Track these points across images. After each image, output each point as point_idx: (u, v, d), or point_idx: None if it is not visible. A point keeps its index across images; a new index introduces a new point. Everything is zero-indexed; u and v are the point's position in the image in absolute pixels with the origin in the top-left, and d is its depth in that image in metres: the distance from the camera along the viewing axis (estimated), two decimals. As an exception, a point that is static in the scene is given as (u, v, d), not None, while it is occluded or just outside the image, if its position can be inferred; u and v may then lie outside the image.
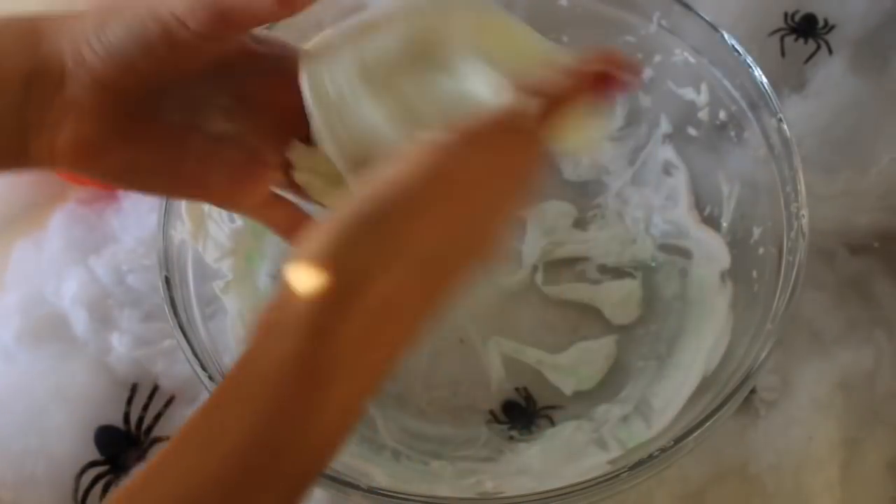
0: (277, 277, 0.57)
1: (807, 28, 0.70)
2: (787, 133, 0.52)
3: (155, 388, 0.57)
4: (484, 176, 0.34)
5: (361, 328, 0.31)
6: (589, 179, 0.65)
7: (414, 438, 0.55)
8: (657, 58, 0.60)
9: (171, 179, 0.40)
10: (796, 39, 0.70)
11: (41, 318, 0.59)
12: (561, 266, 0.63)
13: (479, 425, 0.57)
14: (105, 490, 0.53)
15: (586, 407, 0.56)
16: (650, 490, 0.53)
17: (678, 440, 0.45)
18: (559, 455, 0.53)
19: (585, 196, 0.65)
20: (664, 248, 0.62)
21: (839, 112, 0.65)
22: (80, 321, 0.58)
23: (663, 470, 0.46)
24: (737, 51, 0.55)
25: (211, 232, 0.53)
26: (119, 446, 0.55)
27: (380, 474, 0.49)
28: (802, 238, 0.50)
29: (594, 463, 0.50)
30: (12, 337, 0.58)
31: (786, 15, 0.71)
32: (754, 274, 0.54)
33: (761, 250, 0.54)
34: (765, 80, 0.54)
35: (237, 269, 0.55)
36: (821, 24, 0.71)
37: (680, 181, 0.62)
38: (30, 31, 0.36)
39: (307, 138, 0.40)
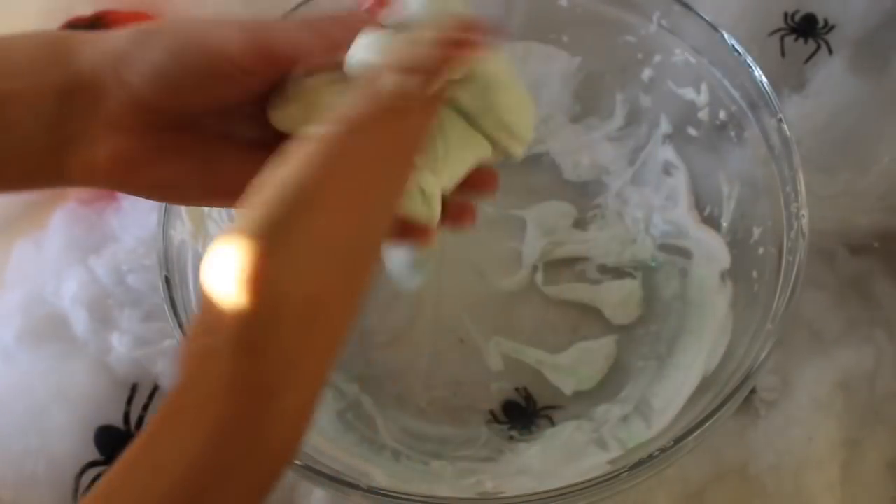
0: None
1: (807, 28, 0.70)
2: (787, 133, 0.52)
3: (155, 388, 0.57)
4: (377, 160, 0.34)
5: (294, 335, 0.31)
6: (589, 179, 0.65)
7: (414, 438, 0.56)
8: (657, 58, 0.60)
9: (208, 189, 0.39)
10: (796, 39, 0.70)
11: (41, 318, 0.59)
12: (561, 266, 0.63)
13: (479, 425, 0.57)
14: (105, 490, 0.53)
15: (586, 407, 0.56)
16: (650, 490, 0.53)
17: (678, 440, 0.45)
18: (559, 455, 0.53)
19: (585, 196, 0.65)
20: (664, 248, 0.62)
21: (839, 112, 0.64)
22: (80, 321, 0.58)
23: (663, 470, 0.46)
24: (737, 51, 0.55)
25: (211, 232, 0.53)
26: (119, 446, 0.55)
27: (380, 474, 0.49)
28: (802, 238, 0.50)
29: (594, 463, 0.50)
30: (13, 337, 0.58)
31: (786, 15, 0.71)
32: (754, 274, 0.54)
33: (761, 250, 0.54)
34: (765, 80, 0.54)
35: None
36: (821, 24, 0.71)
37: (680, 181, 0.62)
38: (59, 46, 0.36)
39: None
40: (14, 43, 0.36)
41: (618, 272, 0.62)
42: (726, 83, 0.57)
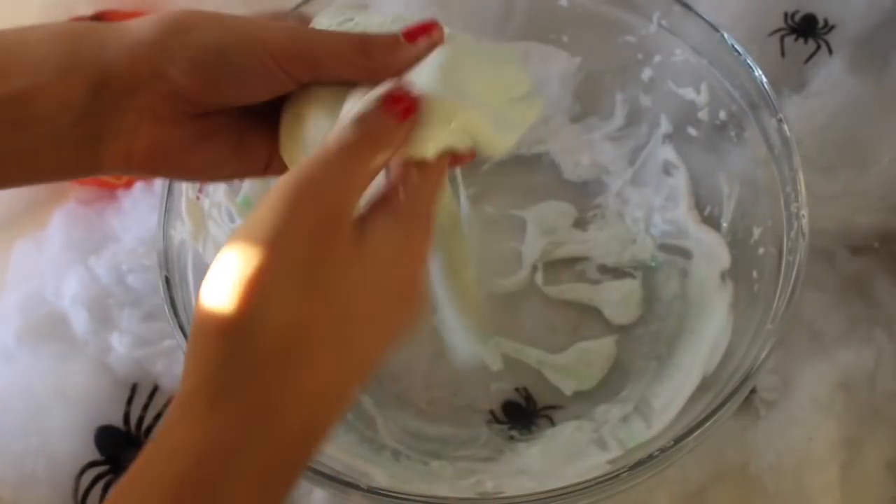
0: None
1: (807, 28, 0.70)
2: (787, 133, 0.52)
3: (155, 389, 0.57)
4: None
5: (263, 393, 0.31)
6: (589, 179, 0.65)
7: (414, 438, 0.55)
8: (657, 58, 0.60)
9: (240, 165, 0.40)
10: (796, 39, 0.70)
11: (41, 318, 0.59)
12: (561, 266, 0.63)
13: (479, 425, 0.57)
14: (105, 490, 0.53)
15: (586, 407, 0.56)
16: (650, 490, 0.53)
17: (678, 440, 0.45)
18: (559, 455, 0.53)
19: (585, 196, 0.65)
20: (664, 248, 0.62)
21: (839, 112, 0.64)
22: (80, 321, 0.58)
23: (663, 470, 0.46)
24: (737, 51, 0.55)
25: (211, 232, 0.53)
26: (119, 446, 0.55)
27: (380, 474, 0.49)
28: (802, 238, 0.50)
29: (594, 463, 0.50)
30: (12, 337, 0.58)
31: (786, 15, 0.71)
32: (754, 274, 0.54)
33: (761, 250, 0.54)
34: (765, 80, 0.54)
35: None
36: (821, 24, 0.71)
37: (680, 181, 0.62)
38: (84, 38, 0.36)
39: None
40: (30, 37, 0.36)
41: (618, 272, 0.62)
42: (726, 83, 0.57)
